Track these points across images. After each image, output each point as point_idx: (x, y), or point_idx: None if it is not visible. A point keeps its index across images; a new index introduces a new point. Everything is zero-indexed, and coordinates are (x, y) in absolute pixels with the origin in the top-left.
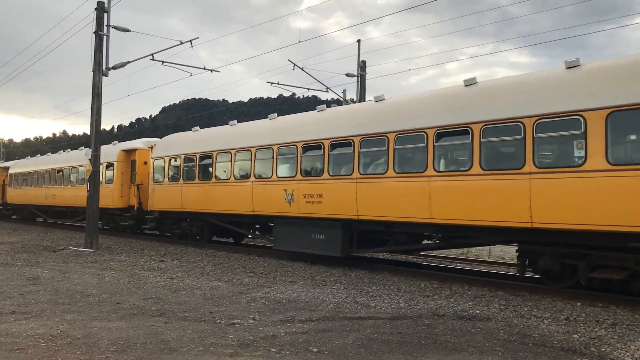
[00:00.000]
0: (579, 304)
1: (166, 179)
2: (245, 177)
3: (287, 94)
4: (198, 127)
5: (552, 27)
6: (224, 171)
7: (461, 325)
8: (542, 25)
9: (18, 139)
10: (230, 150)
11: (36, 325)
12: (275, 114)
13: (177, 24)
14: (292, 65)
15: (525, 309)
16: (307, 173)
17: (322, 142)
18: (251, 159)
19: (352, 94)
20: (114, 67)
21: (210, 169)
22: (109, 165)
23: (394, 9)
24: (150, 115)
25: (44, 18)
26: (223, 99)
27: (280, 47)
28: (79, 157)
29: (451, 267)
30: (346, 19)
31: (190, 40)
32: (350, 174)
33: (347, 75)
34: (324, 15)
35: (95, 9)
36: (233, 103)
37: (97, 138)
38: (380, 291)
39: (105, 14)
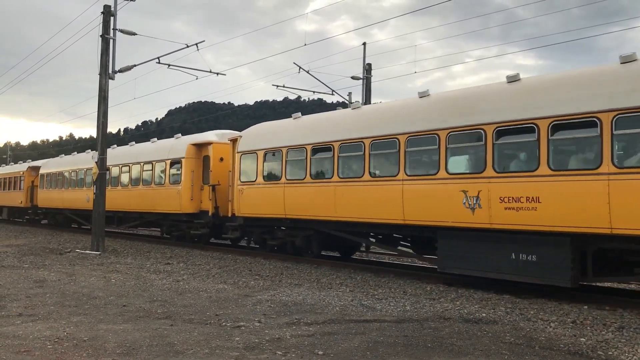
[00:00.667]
0: (585, 307)
1: (260, 178)
2: (389, 174)
3: (292, 97)
4: (299, 114)
5: (559, 29)
6: (353, 167)
7: (467, 328)
8: (548, 28)
9: (25, 141)
10: (363, 140)
11: (43, 328)
12: (428, 90)
13: (183, 28)
14: (298, 68)
15: (532, 312)
16: (504, 167)
17: (534, 124)
18: (399, 151)
19: (357, 97)
20: (120, 71)
21: (330, 165)
22: (174, 163)
23: (399, 12)
24: (157, 118)
25: (50, 22)
26: (229, 102)
27: (285, 50)
28: (136, 153)
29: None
30: (352, 21)
31: (196, 44)
32: (595, 168)
33: (353, 77)
34: (330, 18)
35: (102, 12)
36: (239, 106)
37: (104, 141)
38: (386, 294)
39: (112, 18)
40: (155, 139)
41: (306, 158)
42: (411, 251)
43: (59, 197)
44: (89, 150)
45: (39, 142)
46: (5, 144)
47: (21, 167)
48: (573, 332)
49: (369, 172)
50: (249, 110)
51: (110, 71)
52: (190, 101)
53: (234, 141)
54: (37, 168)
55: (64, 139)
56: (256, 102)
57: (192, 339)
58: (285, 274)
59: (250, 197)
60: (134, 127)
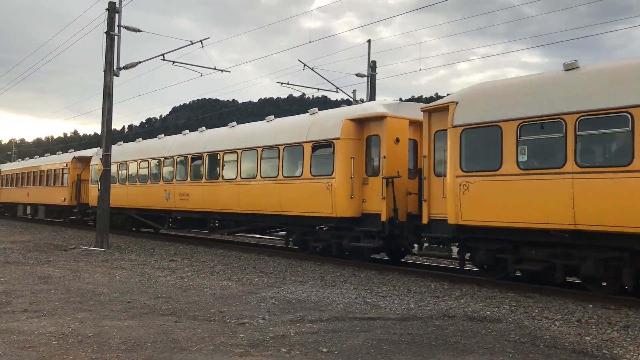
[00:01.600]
0: (590, 305)
1: (509, 164)
2: None
3: (297, 94)
4: (577, 62)
5: (565, 27)
6: None
7: (472, 326)
8: (554, 25)
9: (30, 138)
10: None
11: (48, 324)
12: None
13: (188, 24)
14: (302, 65)
15: (537, 311)
16: None
17: None
18: None
19: (362, 94)
20: (125, 67)
21: None
22: (320, 146)
23: (404, 9)
24: (161, 116)
25: (56, 19)
26: (233, 99)
27: (290, 48)
28: (245, 136)
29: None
30: (357, 18)
31: (201, 41)
32: None
33: (358, 75)
34: (335, 15)
35: (107, 9)
36: (243, 103)
37: (109, 138)
38: (390, 292)
39: (117, 14)
40: (272, 117)
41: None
42: None
43: (121, 194)
44: (162, 135)
45: (43, 138)
46: (10, 141)
47: (63, 157)
48: (578, 331)
49: None
50: (252, 107)
51: (115, 68)
52: (195, 98)
53: (432, 112)
54: (86, 159)
55: (68, 135)
56: (260, 99)
57: (196, 335)
58: (290, 271)
59: (486, 195)
60: (138, 124)
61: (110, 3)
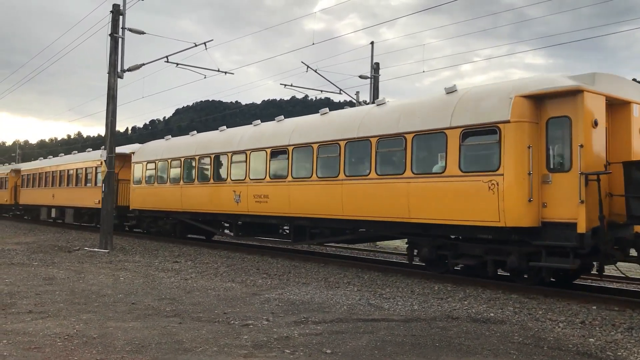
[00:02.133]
0: (594, 307)
1: None
2: None
3: (300, 96)
4: None
5: (569, 28)
6: None
7: (475, 328)
8: (558, 27)
9: (34, 140)
10: None
11: (52, 325)
12: None
13: (192, 26)
14: (306, 67)
15: (540, 312)
16: None
17: None
18: None
19: (365, 96)
20: (129, 69)
21: None
22: (475, 133)
23: (408, 11)
24: (164, 117)
25: (60, 21)
26: (236, 101)
27: (294, 49)
28: (349, 124)
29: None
30: (360, 20)
31: (205, 43)
32: None
33: (361, 77)
34: (338, 16)
35: (111, 11)
36: (246, 105)
37: (112, 140)
38: (393, 293)
39: (121, 17)
40: (383, 98)
41: None
42: None
43: (173, 195)
44: (224, 127)
45: (47, 140)
46: (14, 143)
47: (94, 155)
48: (582, 333)
49: None
50: (256, 109)
51: (119, 70)
52: (198, 100)
53: None
54: (125, 156)
55: (72, 137)
56: (263, 101)
57: (200, 337)
58: (293, 272)
59: None
60: (141, 126)
61: (114, 5)
